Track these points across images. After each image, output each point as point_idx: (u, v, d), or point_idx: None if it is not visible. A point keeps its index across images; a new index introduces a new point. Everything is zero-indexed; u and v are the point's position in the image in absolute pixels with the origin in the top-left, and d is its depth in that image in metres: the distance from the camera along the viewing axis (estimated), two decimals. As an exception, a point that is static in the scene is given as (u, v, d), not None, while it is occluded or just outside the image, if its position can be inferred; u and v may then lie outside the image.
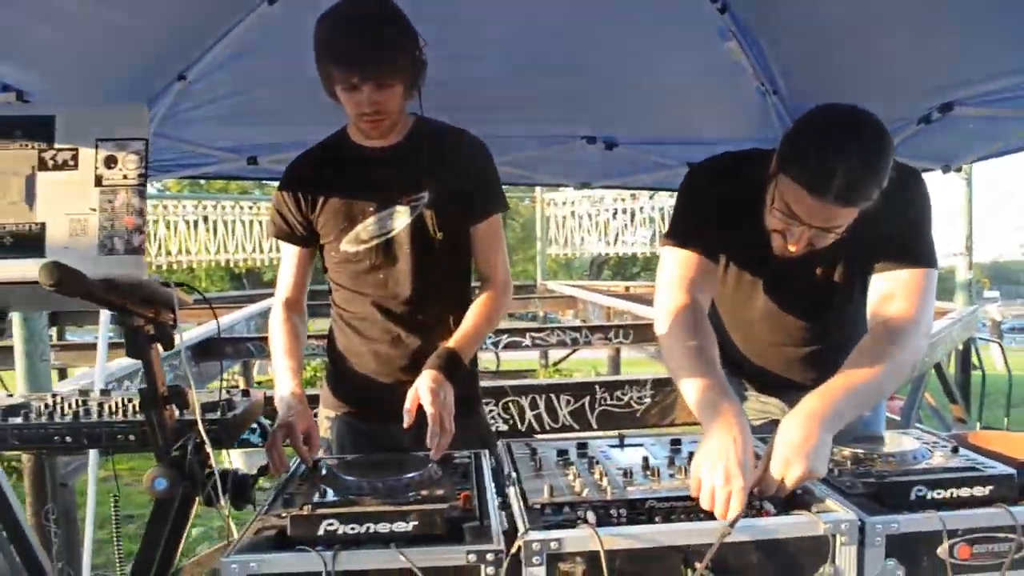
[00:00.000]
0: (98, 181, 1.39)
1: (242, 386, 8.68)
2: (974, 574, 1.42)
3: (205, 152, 3.53)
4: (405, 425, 1.83)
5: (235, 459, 5.34)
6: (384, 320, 2.15)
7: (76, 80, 2.60)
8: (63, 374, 8.04)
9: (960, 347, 7.92)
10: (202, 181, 14.33)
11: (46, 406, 1.70)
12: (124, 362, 4.72)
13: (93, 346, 7.92)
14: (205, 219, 14.75)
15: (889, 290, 1.85)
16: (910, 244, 1.87)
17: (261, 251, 15.82)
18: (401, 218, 2.09)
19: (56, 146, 1.41)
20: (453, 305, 2.19)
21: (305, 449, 1.83)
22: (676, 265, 1.92)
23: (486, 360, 11.52)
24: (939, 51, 2.56)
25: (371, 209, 2.09)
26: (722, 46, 2.91)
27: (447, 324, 2.16)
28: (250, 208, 15.68)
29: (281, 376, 2.03)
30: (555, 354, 12.74)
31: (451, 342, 2.03)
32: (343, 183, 2.10)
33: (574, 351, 11.87)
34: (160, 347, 1.48)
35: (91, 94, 2.64)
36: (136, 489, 6.85)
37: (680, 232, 1.97)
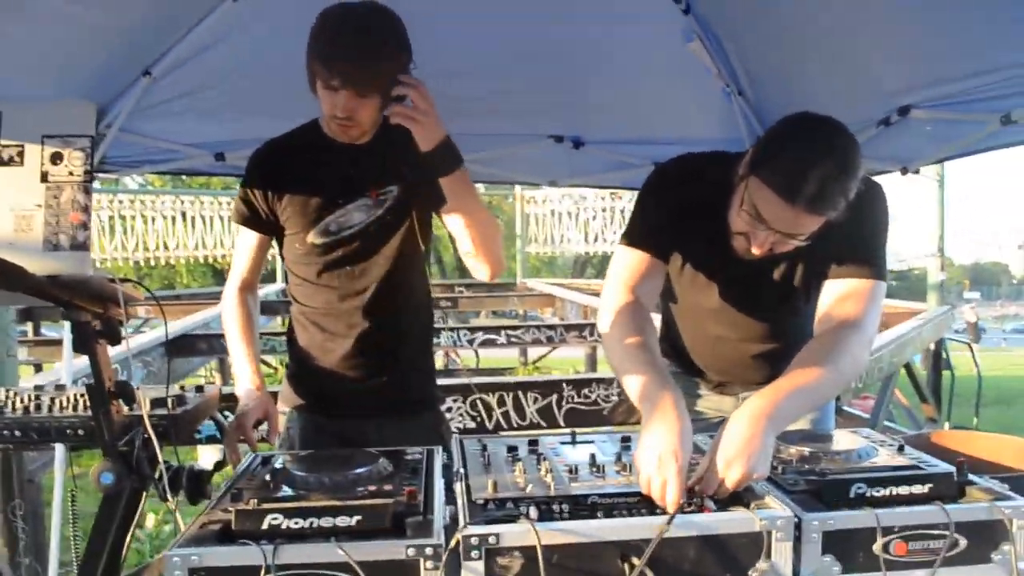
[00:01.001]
0: (44, 177, 1.40)
1: (218, 382, 8.63)
2: (909, 569, 1.44)
3: (172, 148, 3.52)
4: None
5: (208, 454, 5.33)
6: (348, 314, 2.16)
7: (38, 76, 2.59)
8: (39, 369, 8.00)
9: (931, 347, 8.01)
10: (183, 176, 14.27)
11: (-2, 402, 1.70)
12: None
13: (51, 343, 7.89)
14: (184, 214, 14.66)
15: (838, 297, 1.88)
16: (864, 256, 1.90)
17: (241, 246, 15.69)
18: (369, 211, 2.10)
19: (1, 142, 1.41)
20: (415, 299, 2.23)
21: (253, 435, 1.85)
22: (623, 265, 1.97)
23: (465, 357, 11.56)
24: (897, 56, 2.60)
25: (340, 201, 2.10)
26: (687, 47, 2.94)
27: (410, 318, 2.21)
28: (229, 204, 15.60)
29: (240, 365, 2.09)
30: (535, 352, 12.79)
31: None
32: (313, 174, 2.10)
33: (553, 349, 11.90)
34: (108, 343, 1.49)
35: (54, 90, 2.63)
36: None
37: (633, 232, 2.02)
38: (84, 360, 4.36)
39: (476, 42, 3.01)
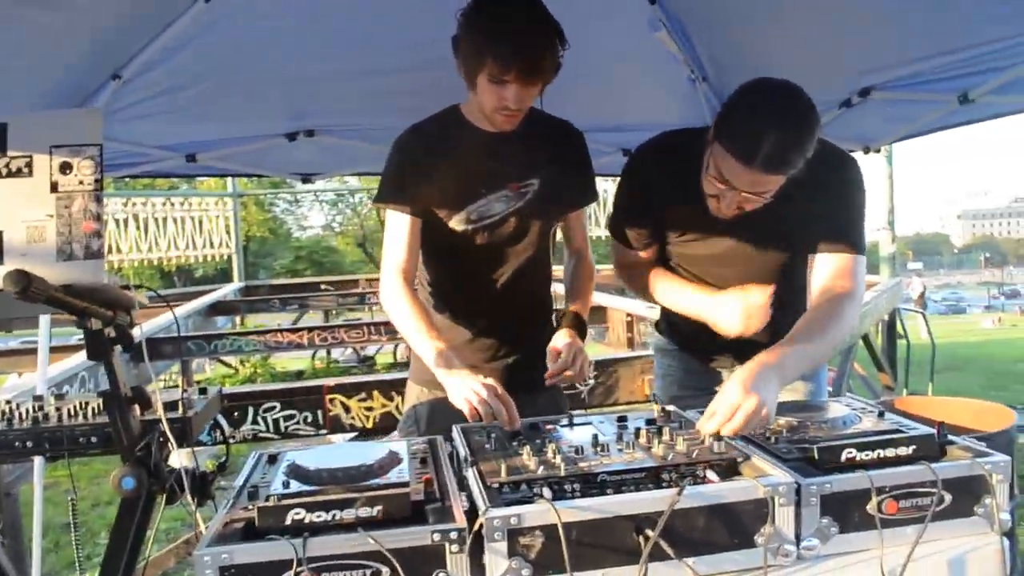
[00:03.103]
0: (54, 187, 1.41)
1: (182, 385, 8.52)
2: (900, 527, 1.53)
3: (142, 151, 3.49)
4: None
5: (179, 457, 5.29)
6: (482, 299, 2.26)
7: (4, 80, 2.56)
8: (-12, 378, 7.81)
9: (886, 318, 8.25)
10: (126, 179, 14.02)
11: (3, 414, 1.70)
12: (60, 367, 4.67)
13: (17, 352, 7.73)
14: (135, 217, 14.39)
15: (831, 271, 2.06)
16: (850, 232, 2.08)
17: (194, 247, 15.52)
18: (510, 202, 2.17)
19: (9, 154, 1.42)
20: (542, 285, 2.38)
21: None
22: (616, 249, 2.34)
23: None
24: (857, 38, 2.70)
25: (483, 191, 2.15)
26: (653, 36, 3.01)
27: (537, 303, 2.36)
28: (181, 204, 15.35)
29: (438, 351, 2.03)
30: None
31: (573, 306, 2.23)
32: (458, 163, 2.14)
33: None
34: (119, 348, 1.51)
35: (21, 94, 2.60)
36: (79, 495, 6.73)
37: (616, 216, 2.32)
38: (57, 368, 4.33)
39: (442, 31, 3.03)
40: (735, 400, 1.65)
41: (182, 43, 2.79)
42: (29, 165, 1.41)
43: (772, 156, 1.80)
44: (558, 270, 2.46)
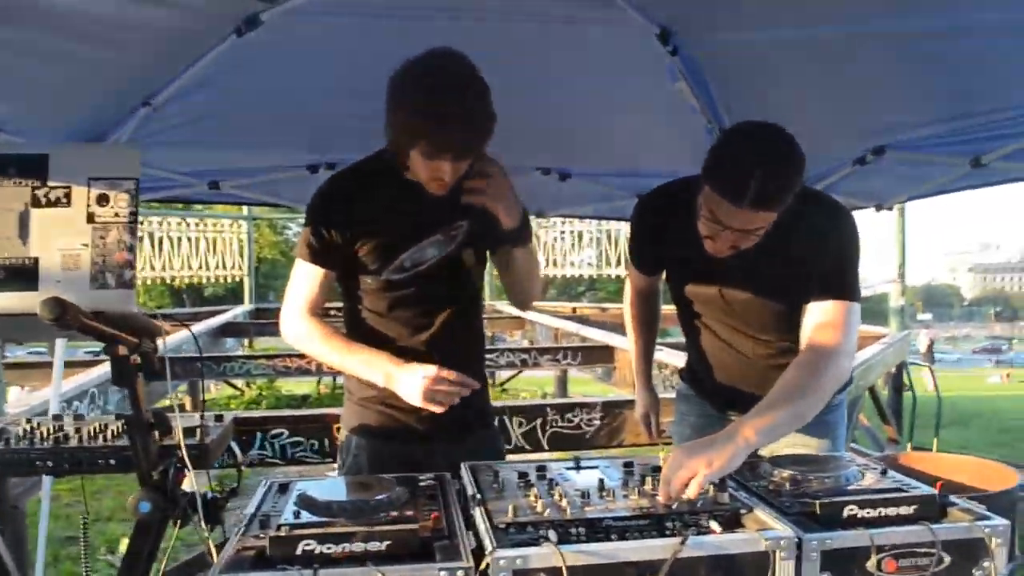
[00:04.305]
0: (90, 218, 1.46)
1: (188, 405, 8.51)
2: (899, 586, 1.56)
3: (167, 176, 3.57)
4: None
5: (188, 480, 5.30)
6: (416, 347, 2.18)
7: (39, 107, 2.64)
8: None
9: (893, 370, 8.23)
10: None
11: (24, 432, 1.74)
12: (70, 383, 4.72)
13: (25, 365, 7.77)
14: (150, 235, 14.53)
15: (819, 320, 2.07)
16: (839, 280, 2.09)
17: (207, 268, 15.65)
18: (441, 247, 2.15)
19: (49, 184, 1.47)
20: (476, 328, 2.36)
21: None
22: (631, 275, 2.62)
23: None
24: (872, 99, 2.75)
25: (413, 238, 2.13)
26: (672, 86, 3.07)
27: (471, 346, 2.33)
28: (196, 225, 15.51)
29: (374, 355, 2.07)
30: (502, 373, 12.84)
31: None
32: (386, 211, 2.11)
33: (521, 371, 11.99)
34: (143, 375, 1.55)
35: (61, 120, 2.68)
36: (77, 511, 6.75)
37: (630, 257, 2.54)
38: (68, 384, 4.37)
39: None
40: (673, 469, 1.67)
41: (212, 75, 2.86)
42: (68, 195, 1.46)
43: (760, 194, 1.86)
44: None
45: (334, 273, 2.16)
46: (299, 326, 2.14)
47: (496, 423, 2.58)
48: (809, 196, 2.08)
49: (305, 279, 2.15)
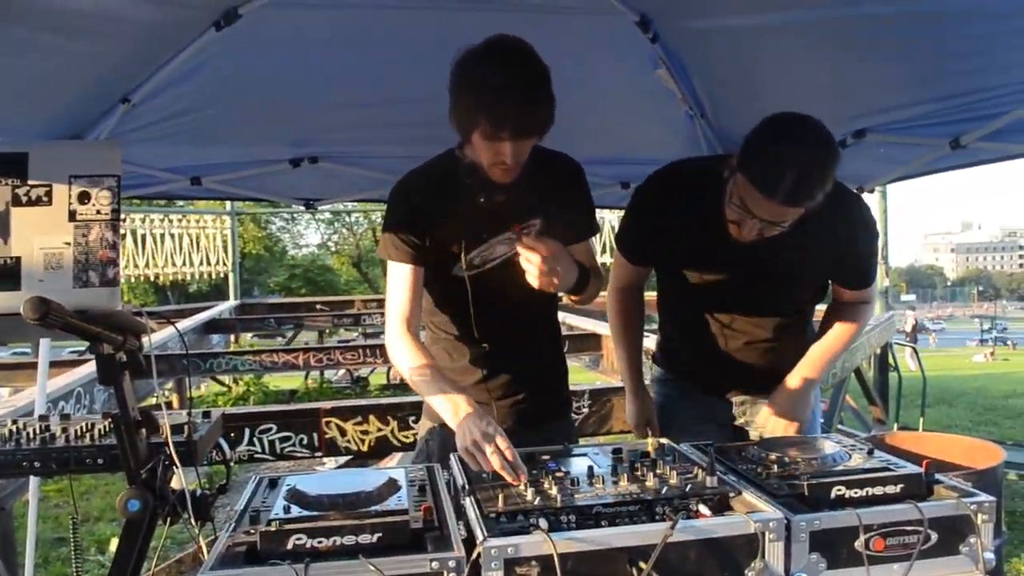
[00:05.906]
0: (72, 216, 1.45)
1: (176, 403, 8.46)
2: (887, 564, 1.57)
3: (148, 172, 3.54)
4: None
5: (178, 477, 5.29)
6: (487, 341, 2.23)
7: (14, 104, 2.61)
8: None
9: (878, 351, 8.30)
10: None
11: (10, 433, 1.73)
12: (56, 383, 4.69)
13: (8, 366, 7.71)
14: (133, 233, 14.44)
15: (845, 301, 2.39)
16: (867, 270, 2.33)
17: (191, 264, 15.56)
18: (512, 244, 2.10)
19: (30, 182, 1.46)
20: (549, 324, 2.39)
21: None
22: (617, 266, 2.53)
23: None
24: (852, 83, 2.76)
25: (484, 236, 2.14)
26: (653, 73, 3.07)
27: (542, 342, 2.35)
28: (179, 221, 15.42)
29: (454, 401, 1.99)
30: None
31: None
32: (459, 209, 2.12)
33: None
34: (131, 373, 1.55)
35: (37, 117, 2.65)
36: (65, 512, 6.71)
37: (621, 244, 2.47)
38: (53, 384, 4.34)
39: (448, 64, 3.10)
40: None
41: (192, 69, 2.84)
42: (48, 194, 1.45)
43: (793, 190, 1.89)
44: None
45: (422, 270, 2.15)
46: (395, 348, 2.12)
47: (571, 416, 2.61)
48: (837, 186, 2.07)
49: (398, 285, 2.15)
